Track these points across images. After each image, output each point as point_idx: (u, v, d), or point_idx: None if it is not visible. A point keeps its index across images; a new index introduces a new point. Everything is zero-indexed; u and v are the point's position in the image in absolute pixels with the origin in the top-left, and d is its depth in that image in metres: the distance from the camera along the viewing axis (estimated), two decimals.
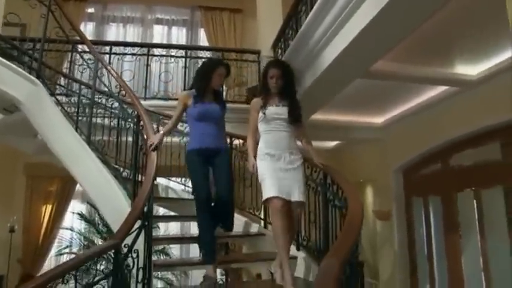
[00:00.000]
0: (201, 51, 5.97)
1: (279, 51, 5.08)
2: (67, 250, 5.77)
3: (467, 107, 3.97)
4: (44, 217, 6.16)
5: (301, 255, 3.09)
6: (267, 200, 2.51)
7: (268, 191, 2.51)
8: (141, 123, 3.17)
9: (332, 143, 6.80)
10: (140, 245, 2.42)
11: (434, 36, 3.08)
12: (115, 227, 3.16)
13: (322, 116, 4.92)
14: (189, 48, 6.18)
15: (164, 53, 5.60)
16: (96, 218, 5.67)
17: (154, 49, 5.62)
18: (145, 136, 3.08)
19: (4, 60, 3.08)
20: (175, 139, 4.30)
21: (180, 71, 5.36)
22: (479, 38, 3.10)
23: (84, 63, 3.46)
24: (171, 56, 5.54)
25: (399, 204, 5.20)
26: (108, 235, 5.29)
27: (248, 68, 5.69)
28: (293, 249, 3.02)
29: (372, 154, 5.82)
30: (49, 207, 6.18)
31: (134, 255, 2.27)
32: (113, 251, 2.16)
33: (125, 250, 2.19)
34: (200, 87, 2.97)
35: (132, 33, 7.00)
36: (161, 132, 3.08)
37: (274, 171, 2.56)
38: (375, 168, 5.68)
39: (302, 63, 3.47)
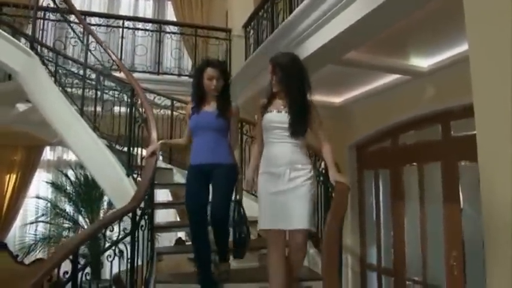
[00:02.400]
0: (168, 26, 6.15)
1: (251, 31, 5.39)
2: (42, 218, 5.82)
3: (415, 94, 4.56)
4: (7, 187, 6.12)
5: None
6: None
7: (261, 220, 2.30)
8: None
9: None
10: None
11: (395, 31, 3.58)
12: (110, 192, 3.47)
13: None
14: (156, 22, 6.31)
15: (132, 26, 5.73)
16: (68, 186, 5.76)
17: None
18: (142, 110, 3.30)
19: (1, 31, 3.16)
20: None
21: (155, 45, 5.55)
22: (433, 35, 3.64)
23: (75, 36, 3.59)
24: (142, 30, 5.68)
25: (352, 177, 5.84)
26: (81, 202, 5.45)
27: (220, 46, 5.98)
28: None
29: (329, 131, 6.38)
30: (13, 176, 6.14)
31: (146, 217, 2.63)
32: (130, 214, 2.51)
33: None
34: (194, 96, 2.75)
35: (98, 3, 6.93)
36: (161, 141, 2.93)
37: (271, 195, 2.26)
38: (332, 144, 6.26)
39: (282, 49, 3.84)
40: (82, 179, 5.56)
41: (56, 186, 5.83)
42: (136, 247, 2.47)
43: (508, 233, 1.88)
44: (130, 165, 3.36)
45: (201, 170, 2.64)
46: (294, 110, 2.30)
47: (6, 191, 6.07)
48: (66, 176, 5.56)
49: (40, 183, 6.24)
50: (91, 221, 5.38)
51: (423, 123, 4.72)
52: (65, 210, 5.72)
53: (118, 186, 3.26)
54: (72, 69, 3.77)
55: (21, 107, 4.30)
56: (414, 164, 4.98)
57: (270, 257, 2.30)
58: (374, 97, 5.21)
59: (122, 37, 5.32)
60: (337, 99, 6.03)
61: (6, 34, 3.17)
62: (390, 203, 5.26)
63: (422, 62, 4.22)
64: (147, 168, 2.76)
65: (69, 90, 3.52)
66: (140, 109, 3.29)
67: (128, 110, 3.40)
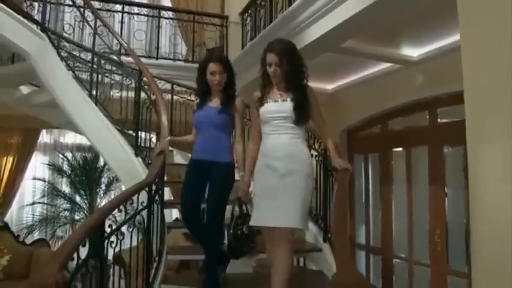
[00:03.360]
0: (167, 12, 6.24)
1: (248, 18, 5.53)
2: (41, 200, 5.93)
3: (405, 82, 4.81)
4: (4, 169, 6.19)
5: None
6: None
7: (258, 216, 2.25)
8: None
9: None
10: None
11: (388, 21, 3.78)
12: (119, 171, 3.63)
13: None
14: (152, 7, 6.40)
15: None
16: (66, 167, 5.85)
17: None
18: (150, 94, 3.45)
19: (14, 13, 3.26)
20: None
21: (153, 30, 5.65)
22: (423, 26, 3.86)
23: (82, 20, 3.70)
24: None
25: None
26: (80, 184, 5.58)
27: (216, 32, 6.11)
28: None
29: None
30: (10, 159, 6.21)
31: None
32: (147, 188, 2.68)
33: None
34: (198, 92, 2.77)
35: None
36: (168, 138, 2.95)
37: (268, 191, 2.21)
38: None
39: (283, 36, 4.00)
40: (80, 161, 5.68)
41: (55, 168, 5.92)
42: (152, 219, 2.65)
43: (492, 214, 2.11)
44: (138, 146, 3.52)
45: (199, 166, 2.63)
46: (298, 97, 2.25)
47: (3, 173, 6.14)
48: (66, 158, 5.66)
49: (37, 166, 6.32)
50: (89, 202, 5.52)
51: (412, 109, 4.99)
52: (64, 191, 5.83)
53: (127, 166, 3.43)
54: (78, 53, 3.88)
55: (24, 89, 4.40)
56: (402, 148, 5.27)
57: (267, 250, 2.29)
58: (365, 84, 5.44)
59: (122, 22, 5.41)
60: (329, 86, 6.25)
61: (19, 16, 3.27)
62: (379, 185, 5.55)
63: (413, 52, 4.46)
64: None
65: (76, 74, 3.64)
66: (148, 92, 3.44)
67: (136, 92, 3.55)
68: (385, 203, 5.39)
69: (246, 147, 2.64)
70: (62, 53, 3.70)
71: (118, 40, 3.65)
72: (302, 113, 2.26)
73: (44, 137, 6.45)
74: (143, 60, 5.12)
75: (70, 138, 6.53)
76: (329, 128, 2.56)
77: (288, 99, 2.27)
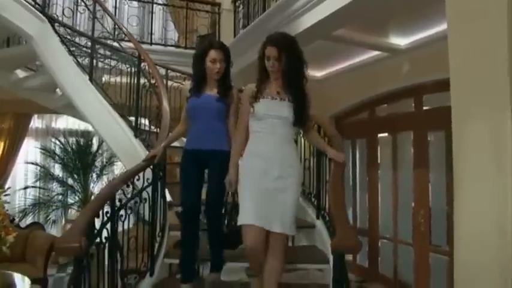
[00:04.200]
0: None
1: (240, 6, 5.63)
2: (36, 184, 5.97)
3: (392, 70, 5.00)
4: None
5: None
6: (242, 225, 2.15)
7: (243, 216, 2.13)
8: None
9: None
10: None
11: (377, 11, 3.94)
12: (119, 152, 3.74)
13: None
14: None
15: None
16: (59, 152, 5.89)
17: None
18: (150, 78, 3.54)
19: None
20: None
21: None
22: (410, 16, 4.02)
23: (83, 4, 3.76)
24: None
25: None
26: (73, 167, 5.65)
27: (208, 19, 6.19)
28: None
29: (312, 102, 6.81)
30: (1, 144, 6.22)
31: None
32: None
33: None
34: (195, 78, 2.67)
35: None
36: (162, 144, 2.83)
37: (258, 192, 2.12)
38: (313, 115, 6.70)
39: (276, 24, 4.14)
40: (73, 145, 5.74)
41: (49, 153, 5.96)
42: (155, 196, 2.79)
43: (475, 190, 2.30)
44: (137, 128, 3.64)
45: (197, 156, 2.56)
46: (299, 97, 2.17)
47: None
48: (60, 142, 5.71)
49: (29, 151, 6.34)
50: (83, 185, 5.61)
51: (398, 96, 5.19)
52: (58, 175, 5.88)
53: (127, 147, 3.54)
54: (75, 38, 3.94)
55: (20, 73, 4.44)
56: (388, 134, 5.49)
57: (245, 239, 2.14)
58: (354, 71, 5.62)
59: (116, 7, 5.46)
60: (318, 73, 6.41)
61: None
62: (366, 170, 5.78)
63: (400, 41, 4.64)
64: (162, 131, 3.05)
65: (76, 58, 3.72)
66: (148, 77, 3.55)
67: (136, 77, 3.65)
68: (372, 186, 5.62)
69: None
70: (63, 37, 3.76)
71: (118, 26, 3.75)
72: (302, 116, 2.19)
73: (36, 121, 6.47)
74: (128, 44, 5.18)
75: (62, 123, 6.57)
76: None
77: (286, 99, 2.18)
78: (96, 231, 2.04)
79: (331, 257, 2.53)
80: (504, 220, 2.12)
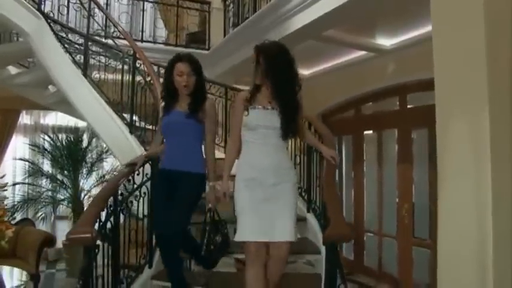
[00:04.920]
0: None
1: (231, 5, 5.72)
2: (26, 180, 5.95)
3: (378, 69, 5.18)
4: None
5: None
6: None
7: (246, 231, 2.09)
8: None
9: None
10: None
11: (366, 12, 4.10)
12: (114, 148, 3.82)
13: None
14: None
15: None
16: (48, 148, 5.87)
17: None
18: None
19: None
20: None
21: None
22: (396, 18, 4.18)
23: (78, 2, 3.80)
24: None
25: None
26: (64, 164, 5.66)
27: (196, 17, 6.27)
28: None
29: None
30: None
31: None
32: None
33: None
34: (165, 94, 2.54)
35: None
36: (145, 153, 2.79)
37: (256, 203, 2.09)
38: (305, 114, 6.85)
39: (268, 25, 4.25)
40: (63, 141, 5.74)
41: (38, 149, 5.94)
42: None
43: (458, 185, 2.46)
44: (132, 124, 3.71)
45: (168, 177, 2.45)
46: (285, 108, 2.13)
47: None
48: (50, 138, 5.71)
49: (17, 147, 6.31)
50: (73, 181, 5.62)
51: (383, 95, 5.37)
52: (48, 171, 5.88)
53: (123, 143, 3.61)
54: (68, 35, 3.98)
55: (12, 69, 4.45)
56: (374, 131, 5.68)
57: (248, 271, 2.12)
58: (341, 70, 5.77)
59: (107, 4, 5.48)
60: (306, 71, 6.54)
61: None
62: (352, 165, 5.96)
63: (386, 41, 4.81)
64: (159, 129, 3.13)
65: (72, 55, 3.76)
66: (143, 74, 3.62)
67: (130, 74, 3.72)
68: (357, 182, 5.81)
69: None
70: (58, 34, 3.80)
71: (114, 24, 3.79)
72: (290, 126, 2.15)
73: (24, 118, 6.44)
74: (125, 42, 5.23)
75: (51, 119, 6.56)
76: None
77: (276, 109, 2.14)
78: (101, 223, 2.14)
79: (322, 248, 2.69)
80: (484, 212, 2.29)
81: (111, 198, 2.35)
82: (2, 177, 4.16)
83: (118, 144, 3.66)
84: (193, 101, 2.48)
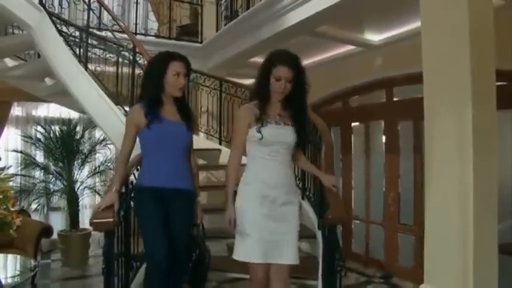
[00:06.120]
0: None
1: None
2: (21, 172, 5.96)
3: (366, 64, 5.37)
4: None
5: None
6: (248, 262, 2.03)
7: (253, 252, 2.01)
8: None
9: (249, 80, 7.86)
10: None
11: (357, 9, 4.27)
12: (115, 139, 3.91)
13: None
14: None
15: None
16: (41, 139, 5.88)
17: None
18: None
19: None
20: None
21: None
22: (385, 14, 4.35)
23: None
24: None
25: None
26: (59, 155, 5.70)
27: (188, 10, 6.34)
28: None
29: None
30: None
31: None
32: None
33: None
34: (152, 97, 2.18)
35: None
36: (115, 188, 2.21)
37: (265, 222, 2.02)
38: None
39: (262, 20, 4.38)
40: (57, 133, 5.78)
41: (32, 140, 5.94)
42: None
43: (442, 173, 2.68)
44: None
45: (161, 195, 2.17)
46: (301, 123, 2.12)
47: None
48: (44, 129, 5.74)
49: (9, 139, 6.30)
50: (68, 172, 5.68)
51: (370, 88, 5.59)
52: (42, 163, 5.91)
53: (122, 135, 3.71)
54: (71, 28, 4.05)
55: (9, 62, 4.49)
56: (361, 123, 5.90)
57: (253, 275, 2.06)
58: (330, 64, 5.95)
59: None
60: None
61: None
62: (340, 156, 6.19)
63: (374, 37, 5.01)
64: None
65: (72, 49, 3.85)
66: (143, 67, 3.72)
67: (130, 66, 3.82)
68: (346, 171, 6.04)
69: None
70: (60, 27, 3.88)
71: (114, 19, 3.88)
72: (303, 140, 2.17)
73: (16, 109, 6.44)
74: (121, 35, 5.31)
75: (43, 111, 6.58)
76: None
77: (290, 124, 2.12)
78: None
79: (318, 232, 2.87)
80: (466, 197, 2.53)
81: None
82: (12, 176, 4.20)
83: (120, 137, 3.75)
84: (185, 110, 2.27)
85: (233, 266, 2.54)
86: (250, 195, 2.08)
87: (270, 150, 2.07)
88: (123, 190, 2.46)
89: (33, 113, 6.56)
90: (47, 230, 5.01)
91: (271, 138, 2.06)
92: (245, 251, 2.04)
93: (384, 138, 5.46)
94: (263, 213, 2.04)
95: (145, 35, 6.47)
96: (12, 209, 2.99)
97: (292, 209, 2.13)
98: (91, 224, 1.91)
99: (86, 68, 3.82)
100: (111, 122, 3.80)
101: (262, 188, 2.06)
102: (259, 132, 2.04)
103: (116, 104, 3.81)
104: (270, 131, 2.06)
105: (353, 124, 6.05)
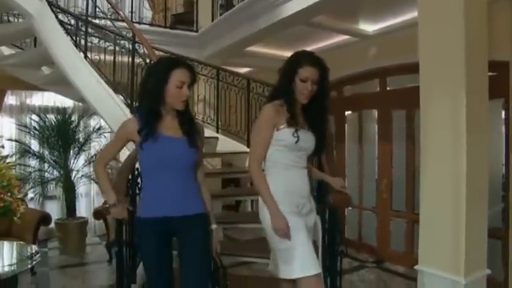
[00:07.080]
0: None
1: None
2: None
3: (360, 53, 5.47)
4: None
5: None
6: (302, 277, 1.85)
7: (308, 265, 1.85)
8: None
9: (244, 69, 7.89)
10: None
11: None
12: (115, 128, 3.94)
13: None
14: None
15: None
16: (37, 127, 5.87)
17: None
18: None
19: None
20: None
21: None
22: (379, 5, 4.44)
23: None
24: None
25: None
26: (56, 144, 5.71)
27: None
28: None
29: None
30: None
31: None
32: None
33: None
34: (150, 109, 1.88)
35: None
36: (114, 199, 1.99)
37: (307, 231, 1.93)
38: None
39: (259, 10, 4.42)
40: (52, 122, 5.78)
41: (27, 128, 5.93)
42: None
43: (437, 159, 2.80)
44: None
45: (163, 227, 1.88)
46: (322, 128, 2.03)
47: None
48: (40, 117, 5.73)
49: (3, 128, 6.27)
50: (64, 161, 5.70)
51: (364, 77, 5.69)
52: (38, 152, 5.91)
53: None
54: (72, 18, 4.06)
55: (5, 50, 4.48)
56: (355, 111, 6.01)
57: None
58: (324, 54, 5.93)
59: None
60: (289, 53, 6.74)
61: None
62: (335, 143, 6.30)
63: (369, 27, 5.09)
64: None
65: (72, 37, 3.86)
66: (143, 56, 3.77)
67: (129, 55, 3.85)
68: (339, 159, 6.16)
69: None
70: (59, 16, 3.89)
71: (114, 9, 3.89)
72: (322, 149, 2.08)
73: (10, 98, 6.40)
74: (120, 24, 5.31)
75: (37, 100, 6.55)
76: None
77: (311, 129, 2.01)
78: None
79: (317, 217, 2.97)
80: (459, 183, 2.66)
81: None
82: (10, 155, 4.23)
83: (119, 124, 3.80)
84: (188, 124, 1.95)
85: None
86: (286, 206, 1.92)
87: (295, 156, 1.96)
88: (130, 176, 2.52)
89: (28, 101, 6.53)
90: (45, 218, 5.05)
91: (303, 143, 1.94)
92: (300, 266, 1.85)
93: (376, 126, 5.57)
94: (302, 224, 1.93)
95: (140, 23, 6.45)
96: (18, 196, 3.03)
97: (315, 220, 2.07)
98: (106, 212, 1.91)
99: (86, 57, 3.84)
100: (111, 111, 3.85)
101: (294, 197, 1.95)
102: (296, 135, 1.90)
103: (116, 93, 3.85)
104: (303, 136, 1.94)
105: (347, 112, 6.15)
